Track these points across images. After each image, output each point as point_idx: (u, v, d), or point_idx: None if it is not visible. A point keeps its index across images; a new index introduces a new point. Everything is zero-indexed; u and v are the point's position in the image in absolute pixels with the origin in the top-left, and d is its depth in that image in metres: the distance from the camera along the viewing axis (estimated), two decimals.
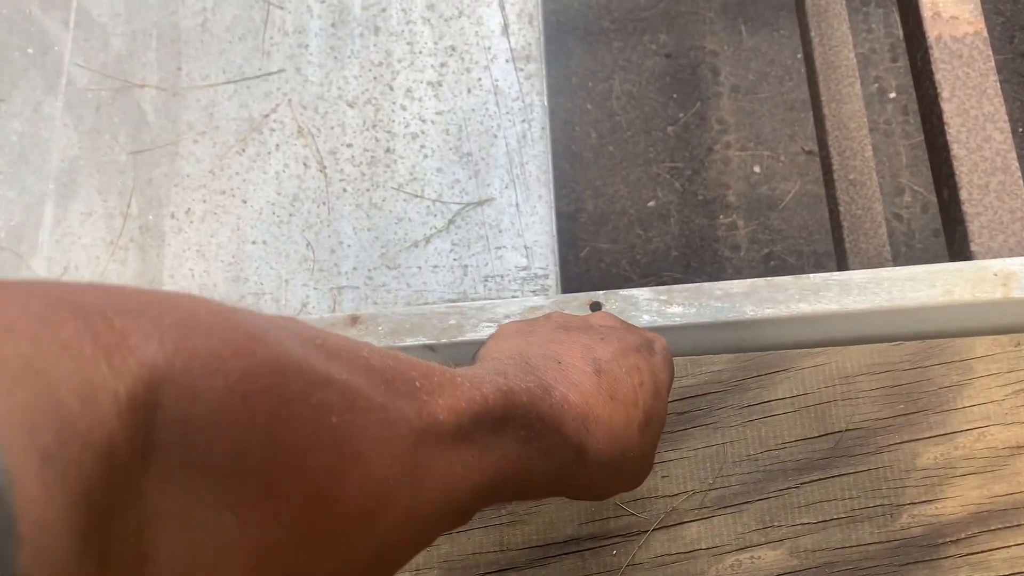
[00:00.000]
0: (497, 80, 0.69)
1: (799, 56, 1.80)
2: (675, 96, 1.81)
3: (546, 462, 0.34)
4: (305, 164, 0.68)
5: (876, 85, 1.77)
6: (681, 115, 1.79)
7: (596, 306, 0.58)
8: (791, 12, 1.76)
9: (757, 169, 1.75)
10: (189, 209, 0.68)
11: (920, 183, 1.69)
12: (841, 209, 0.99)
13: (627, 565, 0.51)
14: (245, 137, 0.69)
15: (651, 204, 1.74)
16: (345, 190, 0.68)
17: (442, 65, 0.70)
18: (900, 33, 0.87)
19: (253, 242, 0.67)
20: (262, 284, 0.66)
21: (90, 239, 0.68)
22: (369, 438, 0.26)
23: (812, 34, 1.00)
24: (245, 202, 0.68)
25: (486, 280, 0.65)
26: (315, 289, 0.65)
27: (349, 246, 0.66)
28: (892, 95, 1.75)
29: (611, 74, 1.82)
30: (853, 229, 0.98)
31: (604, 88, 1.82)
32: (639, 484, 0.43)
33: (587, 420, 0.36)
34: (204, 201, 0.68)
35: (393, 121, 0.69)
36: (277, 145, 0.69)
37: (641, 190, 1.75)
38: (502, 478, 0.32)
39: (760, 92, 1.79)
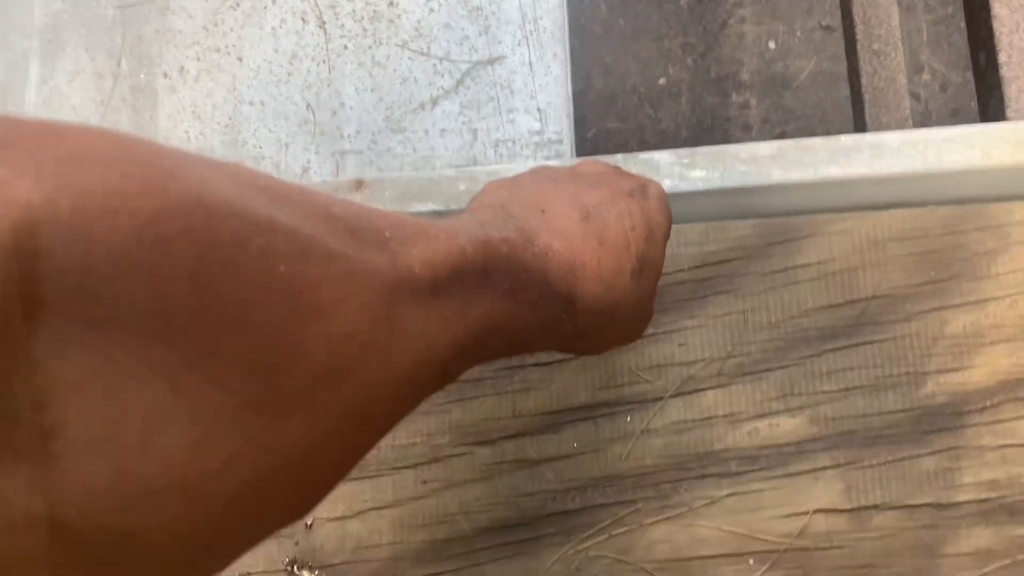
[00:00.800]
0: None
1: None
2: None
3: (533, 313, 0.32)
4: (303, 19, 0.64)
5: None
6: None
7: None
8: None
9: (772, 45, 1.68)
10: (183, 68, 0.64)
11: (941, 61, 1.63)
12: (863, 81, 0.95)
13: (641, 431, 0.50)
14: None
15: (662, 82, 1.68)
16: (346, 47, 0.63)
17: None
18: None
19: (250, 103, 0.63)
20: (261, 148, 0.63)
21: (79, 99, 0.65)
22: (331, 290, 0.23)
23: None
24: (241, 60, 0.64)
25: (497, 145, 0.61)
26: (316, 153, 0.62)
27: (351, 108, 0.63)
28: None
29: None
30: (875, 102, 0.94)
31: None
32: (638, 336, 0.42)
33: (574, 267, 0.34)
34: (198, 59, 0.64)
35: None
36: None
37: (652, 67, 1.69)
38: (486, 333, 0.30)
39: None
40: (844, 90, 1.62)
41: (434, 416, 0.52)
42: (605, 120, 1.67)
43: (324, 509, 0.51)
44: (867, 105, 0.94)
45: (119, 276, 0.18)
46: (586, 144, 1.65)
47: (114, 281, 0.18)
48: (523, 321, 0.32)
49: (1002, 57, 0.66)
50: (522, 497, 0.50)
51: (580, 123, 1.64)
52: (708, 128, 1.63)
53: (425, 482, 0.51)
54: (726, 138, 1.62)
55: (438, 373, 0.28)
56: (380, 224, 0.27)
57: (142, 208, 0.18)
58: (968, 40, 0.74)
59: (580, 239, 0.35)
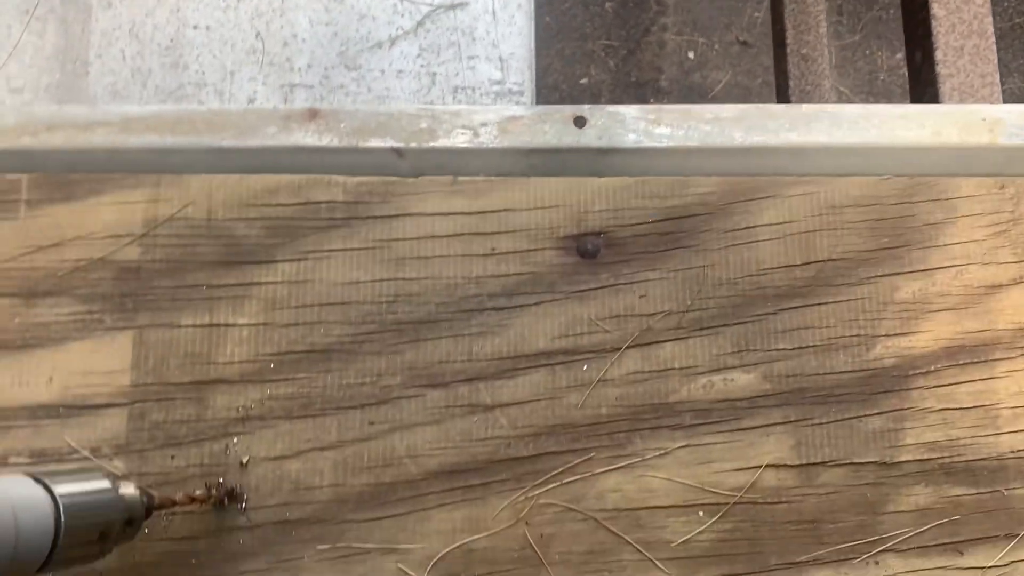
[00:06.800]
0: None
1: None
2: None
3: None
4: None
5: None
6: None
7: (580, 120, 0.54)
8: None
9: (691, 55, 1.72)
10: None
11: (846, 85, 1.71)
12: (791, 84, 0.98)
13: (598, 381, 0.49)
14: None
15: (584, 81, 1.70)
16: None
17: None
18: None
19: (195, 26, 0.60)
20: (204, 74, 0.59)
21: None
22: None
23: None
24: None
25: (456, 91, 0.60)
26: (264, 84, 0.59)
27: (304, 40, 0.60)
28: None
29: None
30: (802, 104, 0.96)
31: None
32: None
33: None
34: None
35: None
36: None
37: (575, 65, 1.70)
38: None
39: None
40: (757, 103, 1.67)
41: (385, 356, 0.49)
42: None
43: (262, 448, 0.48)
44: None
45: None
46: None
47: None
48: None
49: (938, 55, 0.69)
50: (474, 442, 0.48)
51: None
52: None
53: (372, 423, 0.48)
54: None
55: None
56: None
57: None
58: (904, 38, 0.77)
59: None
